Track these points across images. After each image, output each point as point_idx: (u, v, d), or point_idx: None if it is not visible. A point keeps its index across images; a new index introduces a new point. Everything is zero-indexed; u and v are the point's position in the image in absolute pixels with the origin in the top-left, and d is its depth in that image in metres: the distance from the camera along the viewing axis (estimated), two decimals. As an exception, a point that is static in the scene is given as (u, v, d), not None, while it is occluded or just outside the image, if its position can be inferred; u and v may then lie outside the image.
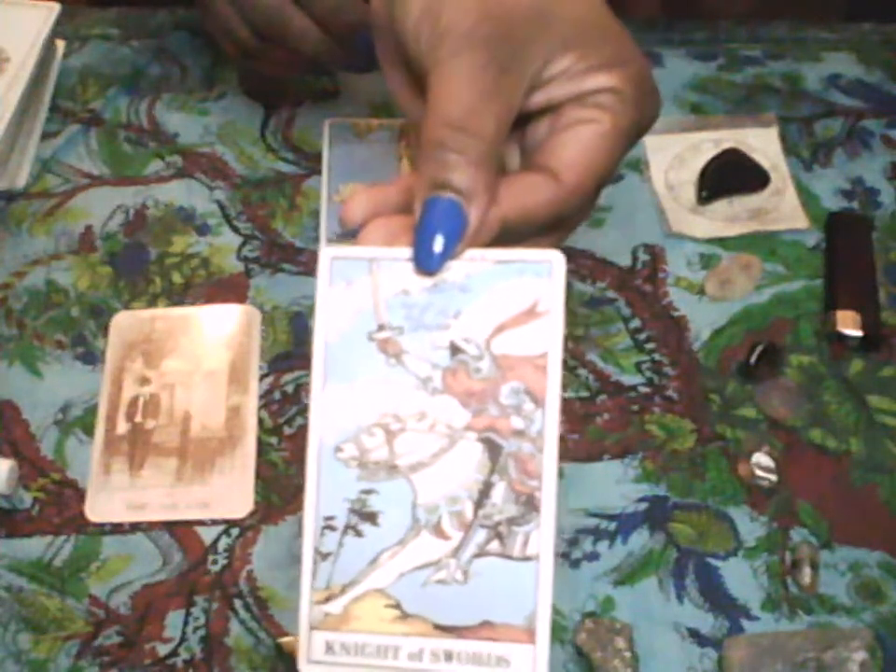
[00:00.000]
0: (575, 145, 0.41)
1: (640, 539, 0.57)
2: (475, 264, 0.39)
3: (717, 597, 0.55)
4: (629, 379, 0.62)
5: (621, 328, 0.64)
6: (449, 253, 0.39)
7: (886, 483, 0.59)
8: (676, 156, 0.71)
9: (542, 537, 0.37)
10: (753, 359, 0.61)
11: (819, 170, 0.71)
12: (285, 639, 0.54)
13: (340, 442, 0.39)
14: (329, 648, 0.38)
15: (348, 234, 0.41)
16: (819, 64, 0.76)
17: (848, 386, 0.62)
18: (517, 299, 0.38)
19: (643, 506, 0.58)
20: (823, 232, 0.68)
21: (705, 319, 0.64)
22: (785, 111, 0.73)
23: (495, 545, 0.38)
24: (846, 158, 0.71)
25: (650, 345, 0.63)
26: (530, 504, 0.38)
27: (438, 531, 0.38)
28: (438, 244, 0.38)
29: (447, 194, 0.39)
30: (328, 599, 0.38)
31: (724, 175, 0.69)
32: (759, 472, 0.59)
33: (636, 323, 0.64)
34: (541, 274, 0.38)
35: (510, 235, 0.40)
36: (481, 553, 0.38)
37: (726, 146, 0.71)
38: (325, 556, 0.38)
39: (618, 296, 0.65)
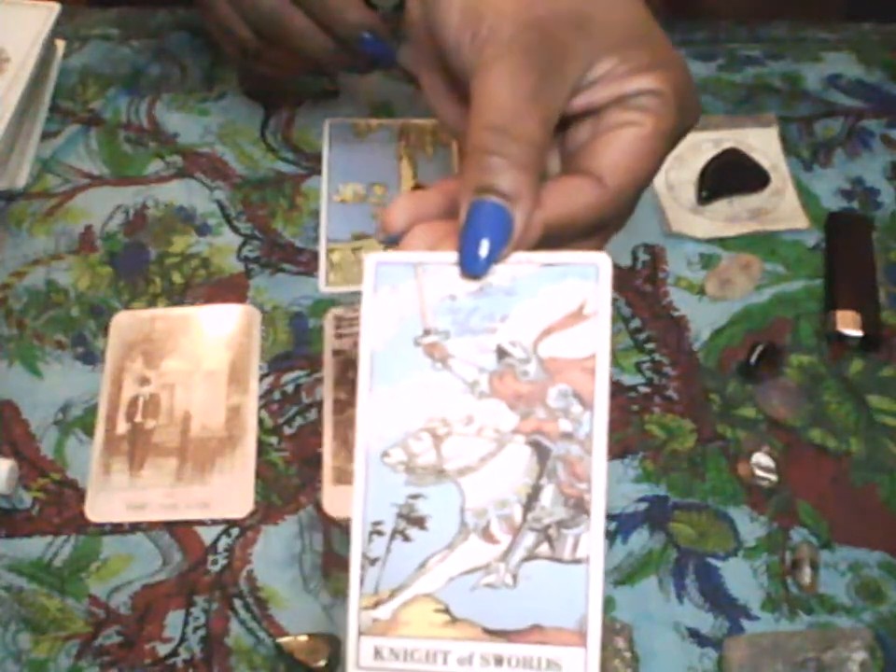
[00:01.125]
0: (617, 147, 0.41)
1: (640, 539, 0.57)
2: (521, 267, 0.39)
3: (717, 597, 0.56)
4: (629, 379, 0.62)
5: (621, 328, 0.64)
6: (495, 257, 0.38)
7: (886, 483, 0.59)
8: (676, 156, 0.70)
9: (592, 539, 0.37)
10: (753, 359, 0.61)
11: (819, 170, 0.71)
12: (285, 639, 0.54)
13: (387, 447, 0.39)
14: (378, 653, 0.38)
15: (390, 241, 0.41)
16: (818, 64, 0.76)
17: (848, 386, 0.62)
18: (564, 301, 0.38)
19: (643, 506, 0.58)
20: (823, 232, 0.68)
21: (705, 319, 0.64)
22: (785, 111, 0.73)
23: (544, 548, 0.37)
24: (846, 158, 0.71)
25: (650, 345, 0.63)
26: (579, 507, 0.37)
27: (486, 535, 0.38)
28: (484, 247, 0.38)
29: (492, 198, 0.39)
30: (376, 605, 0.38)
31: (724, 175, 0.69)
32: (759, 472, 0.59)
33: (636, 323, 0.64)
34: (587, 277, 0.38)
35: (553, 238, 0.40)
36: (530, 556, 0.38)
37: (726, 146, 0.71)
38: (373, 562, 0.38)
39: (618, 296, 0.65)
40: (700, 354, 0.63)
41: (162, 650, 0.55)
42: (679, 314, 0.65)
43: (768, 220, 0.68)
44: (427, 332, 0.39)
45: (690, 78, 0.43)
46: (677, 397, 0.62)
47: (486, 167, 0.39)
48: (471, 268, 0.39)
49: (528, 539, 0.38)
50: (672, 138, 0.43)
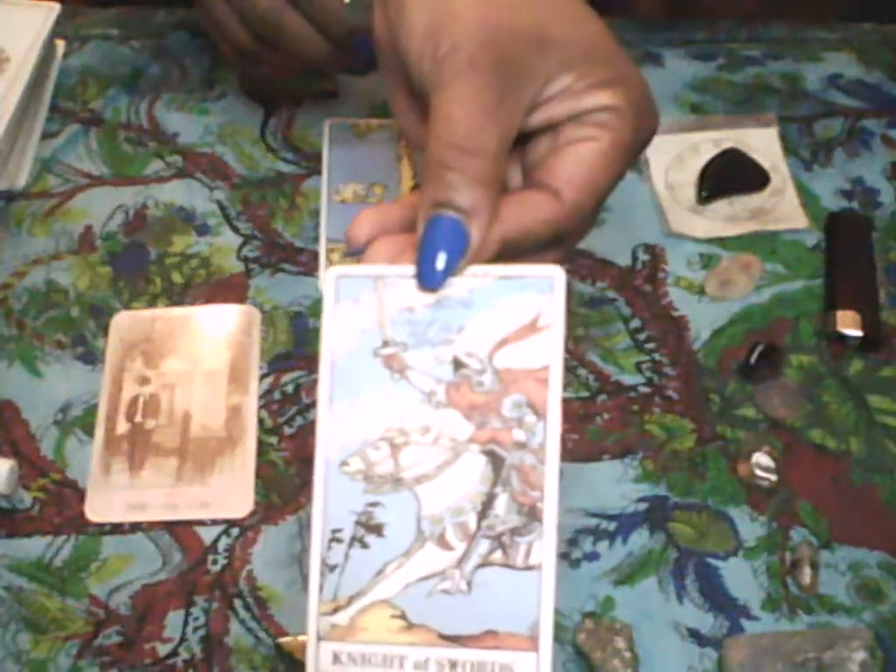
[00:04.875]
0: (574, 162, 0.42)
1: (640, 539, 0.57)
2: (477, 280, 0.40)
3: (717, 597, 0.56)
4: (629, 379, 0.62)
5: (621, 328, 0.64)
6: (451, 270, 0.39)
7: (886, 483, 0.59)
8: (676, 156, 0.71)
9: (545, 546, 0.38)
10: (753, 359, 0.61)
11: (819, 170, 0.71)
12: (285, 639, 0.54)
13: (346, 456, 0.39)
14: (337, 658, 0.39)
15: (354, 253, 0.42)
16: (819, 64, 0.76)
17: (848, 386, 0.62)
18: (519, 313, 0.39)
19: (643, 506, 0.58)
20: (823, 232, 0.68)
21: (705, 319, 0.64)
22: (785, 111, 0.73)
23: (498, 555, 0.38)
24: (846, 158, 0.71)
25: (650, 345, 0.64)
26: (532, 515, 0.38)
27: (442, 542, 0.39)
28: (440, 261, 0.39)
29: (449, 213, 0.39)
30: (335, 611, 0.39)
31: (724, 174, 0.69)
32: (759, 472, 0.59)
33: (636, 323, 0.64)
34: (542, 289, 0.39)
35: (511, 252, 0.41)
36: (484, 563, 0.38)
37: (726, 146, 0.71)
38: (332, 568, 0.39)
39: (618, 296, 0.65)
40: (700, 354, 0.63)
41: (162, 650, 0.55)
42: (678, 314, 0.65)
43: (768, 220, 0.68)
44: (385, 344, 0.40)
45: (648, 93, 0.44)
46: (677, 397, 0.62)
47: (444, 182, 0.39)
48: (428, 281, 0.40)
49: (483, 546, 0.38)
50: (629, 153, 0.43)
